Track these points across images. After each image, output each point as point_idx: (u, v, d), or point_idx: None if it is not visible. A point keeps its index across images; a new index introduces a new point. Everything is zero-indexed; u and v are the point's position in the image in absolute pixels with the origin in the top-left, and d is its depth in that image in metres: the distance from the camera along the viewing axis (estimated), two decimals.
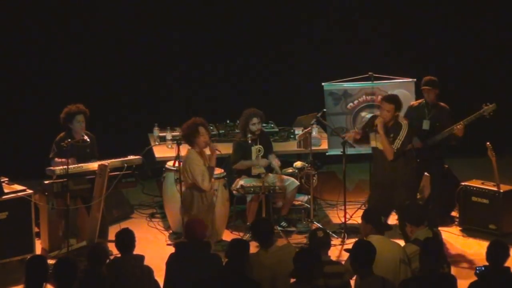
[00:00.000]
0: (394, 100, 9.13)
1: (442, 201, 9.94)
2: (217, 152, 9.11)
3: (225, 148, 10.52)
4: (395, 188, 9.04)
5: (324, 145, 10.89)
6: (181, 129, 9.13)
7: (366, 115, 10.53)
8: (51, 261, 8.82)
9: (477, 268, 6.87)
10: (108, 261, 7.29)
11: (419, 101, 9.96)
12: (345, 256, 7.55)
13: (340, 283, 7.03)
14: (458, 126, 9.57)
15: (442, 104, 9.84)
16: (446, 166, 10.66)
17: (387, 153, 8.97)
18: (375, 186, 9.38)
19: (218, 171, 10.07)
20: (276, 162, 10.20)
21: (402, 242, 7.96)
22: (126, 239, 7.31)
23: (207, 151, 9.19)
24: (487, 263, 6.75)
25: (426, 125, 9.80)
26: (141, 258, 7.33)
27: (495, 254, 6.77)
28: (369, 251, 6.72)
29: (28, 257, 7.07)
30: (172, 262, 7.38)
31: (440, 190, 9.95)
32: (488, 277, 6.69)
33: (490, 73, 13.10)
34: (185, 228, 7.69)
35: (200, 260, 7.24)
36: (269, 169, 10.26)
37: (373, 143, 9.33)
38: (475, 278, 6.79)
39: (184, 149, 10.14)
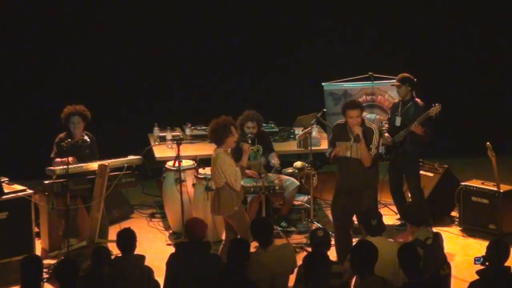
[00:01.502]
0: (358, 105, 8.86)
1: (420, 199, 9.90)
2: (251, 150, 8.95)
3: None
4: (360, 191, 8.82)
5: (324, 145, 10.87)
6: (211, 128, 8.68)
7: (366, 115, 10.52)
8: (51, 261, 8.90)
9: (476, 258, 6.87)
10: (109, 261, 7.29)
11: (400, 98, 10.03)
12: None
13: (340, 282, 7.04)
14: (413, 126, 9.63)
15: (418, 100, 9.87)
16: (446, 166, 10.69)
17: (365, 160, 8.72)
18: (341, 192, 8.99)
19: None
20: (275, 161, 10.18)
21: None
22: (127, 239, 7.32)
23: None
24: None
25: (397, 121, 9.89)
26: (142, 258, 7.33)
27: (495, 254, 6.77)
28: (371, 251, 6.71)
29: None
30: (172, 262, 7.38)
31: (418, 189, 9.96)
32: (488, 277, 6.68)
33: (491, 73, 13.09)
34: (185, 228, 7.68)
35: (200, 260, 7.24)
36: (269, 168, 10.26)
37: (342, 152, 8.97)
38: (475, 278, 6.79)
39: (184, 149, 10.18)
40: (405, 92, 9.87)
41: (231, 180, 8.47)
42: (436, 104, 9.62)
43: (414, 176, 9.98)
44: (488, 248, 6.84)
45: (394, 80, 10.61)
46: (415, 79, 9.88)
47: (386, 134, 9.93)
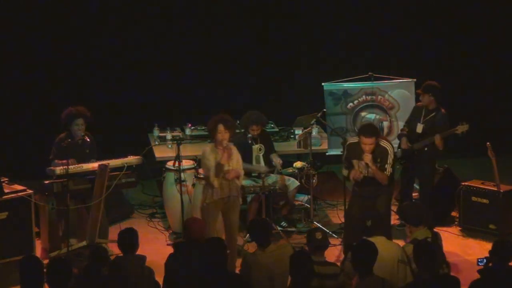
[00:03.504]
0: (373, 133, 8.81)
1: (431, 202, 9.91)
2: (227, 153, 9.00)
3: None
4: (375, 197, 8.90)
5: (324, 145, 10.90)
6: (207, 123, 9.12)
7: (366, 115, 10.55)
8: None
9: (479, 260, 6.87)
10: (109, 260, 7.28)
11: (422, 103, 10.01)
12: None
13: (335, 284, 7.04)
14: (437, 139, 9.65)
15: (442, 110, 9.86)
16: (446, 166, 10.69)
17: (381, 180, 8.80)
18: (356, 197, 9.06)
19: None
20: (277, 161, 10.19)
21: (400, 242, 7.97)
22: (129, 239, 7.31)
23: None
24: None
25: (419, 128, 9.89)
26: (142, 258, 7.32)
27: (499, 253, 6.77)
28: (370, 251, 6.72)
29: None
30: (171, 263, 7.37)
31: (429, 191, 9.96)
32: (492, 276, 6.67)
33: (491, 73, 13.09)
34: (184, 228, 7.68)
35: (199, 260, 7.22)
36: (273, 168, 10.24)
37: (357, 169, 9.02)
38: (474, 277, 6.79)
39: (184, 149, 10.19)
40: (428, 100, 9.85)
41: (205, 173, 8.77)
42: (464, 123, 9.60)
43: (428, 184, 9.99)
44: (493, 247, 6.84)
45: (394, 80, 10.65)
46: (439, 88, 9.85)
47: (405, 139, 9.91)
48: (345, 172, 9.11)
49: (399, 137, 10.14)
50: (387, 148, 8.84)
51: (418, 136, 9.88)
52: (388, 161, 8.79)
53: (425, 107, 9.88)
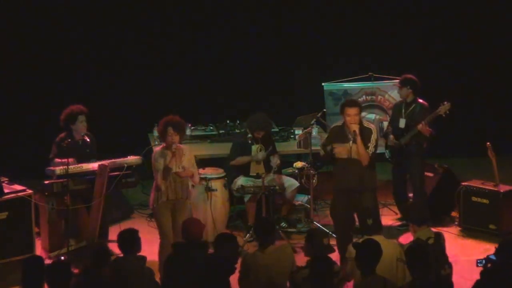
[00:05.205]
0: (357, 103, 8.95)
1: (423, 200, 9.94)
2: (176, 156, 8.87)
3: (226, 148, 10.52)
4: (359, 192, 8.84)
5: None
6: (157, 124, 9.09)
7: (366, 115, 10.54)
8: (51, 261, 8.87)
9: (478, 260, 6.86)
10: (110, 261, 7.28)
11: (402, 99, 10.08)
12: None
13: (336, 280, 7.08)
14: (420, 126, 9.69)
15: (421, 101, 9.94)
16: (446, 166, 10.69)
17: (362, 159, 8.75)
18: (341, 193, 8.97)
19: (217, 171, 10.08)
20: (275, 161, 10.17)
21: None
22: (129, 240, 7.30)
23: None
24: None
25: (402, 123, 9.94)
26: (142, 259, 7.32)
27: (504, 253, 6.76)
28: (375, 250, 6.73)
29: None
30: (169, 263, 7.37)
31: (422, 190, 9.99)
32: (494, 276, 6.66)
33: (491, 73, 13.09)
34: (182, 229, 7.67)
35: (198, 260, 7.22)
36: (270, 168, 10.24)
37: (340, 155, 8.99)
38: (475, 278, 6.78)
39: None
40: (406, 93, 9.94)
41: (154, 176, 8.72)
42: (445, 103, 9.63)
43: (419, 178, 9.99)
44: (499, 246, 6.83)
45: (394, 80, 10.66)
46: (417, 81, 9.91)
47: (392, 136, 9.96)
48: (322, 152, 9.09)
49: (385, 136, 10.16)
50: (371, 128, 8.90)
51: (402, 131, 9.92)
52: (371, 141, 8.81)
53: (404, 101, 9.96)
